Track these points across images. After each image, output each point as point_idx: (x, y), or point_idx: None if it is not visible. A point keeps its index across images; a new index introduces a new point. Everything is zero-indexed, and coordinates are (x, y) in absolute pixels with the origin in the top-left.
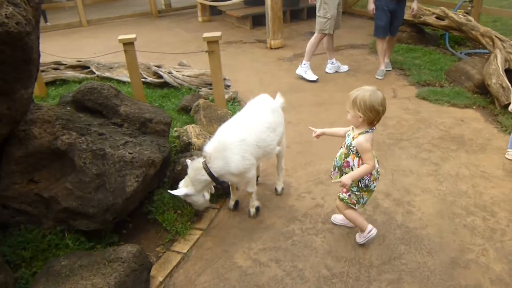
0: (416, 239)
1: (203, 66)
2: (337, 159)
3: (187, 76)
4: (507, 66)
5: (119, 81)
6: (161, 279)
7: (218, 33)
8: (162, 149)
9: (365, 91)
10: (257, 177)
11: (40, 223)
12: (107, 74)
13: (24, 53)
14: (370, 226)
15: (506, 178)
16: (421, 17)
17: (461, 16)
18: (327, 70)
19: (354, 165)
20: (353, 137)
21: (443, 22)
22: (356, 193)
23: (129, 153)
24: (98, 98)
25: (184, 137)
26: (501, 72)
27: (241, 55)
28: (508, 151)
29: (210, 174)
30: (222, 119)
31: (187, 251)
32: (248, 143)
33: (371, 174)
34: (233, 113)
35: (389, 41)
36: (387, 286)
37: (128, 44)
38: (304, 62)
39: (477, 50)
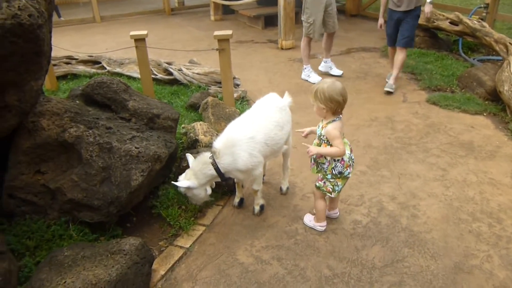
0: (420, 243)
1: (214, 64)
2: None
3: (197, 73)
4: None
5: (129, 77)
6: (162, 272)
7: (229, 31)
8: (169, 145)
9: (323, 83)
10: (263, 175)
11: (45, 214)
12: (117, 70)
13: (35, 45)
14: (324, 223)
15: None
16: (434, 22)
17: (475, 22)
18: (319, 67)
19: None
20: (322, 127)
21: (457, 27)
22: (331, 180)
23: (136, 148)
24: (107, 92)
25: (192, 134)
26: None
27: (252, 55)
28: None
29: (217, 169)
30: (230, 118)
31: (190, 246)
32: (256, 140)
33: (343, 160)
34: (241, 112)
35: (396, 56)
36: None
37: (140, 40)
38: (304, 66)
39: (490, 57)
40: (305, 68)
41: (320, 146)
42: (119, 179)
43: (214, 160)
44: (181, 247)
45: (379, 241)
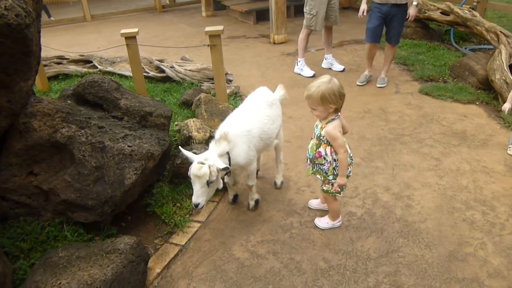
0: (415, 233)
1: (206, 60)
2: (309, 151)
3: (189, 70)
4: (511, 62)
5: (121, 76)
6: (158, 270)
7: (220, 27)
8: (162, 143)
9: (327, 84)
10: (257, 170)
11: (39, 215)
12: (109, 69)
13: (24, 45)
14: (340, 218)
15: (507, 173)
16: (426, 12)
17: (466, 11)
18: (322, 65)
19: (326, 154)
20: (321, 127)
21: (448, 17)
22: (332, 181)
23: (128, 146)
24: (98, 91)
25: (185, 131)
26: (505, 68)
27: (244, 50)
28: (510, 147)
29: (229, 159)
30: (223, 114)
31: (185, 243)
32: (253, 134)
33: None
34: (235, 107)
35: (387, 51)
36: (384, 279)
37: (131, 38)
38: (298, 59)
39: (482, 46)
40: (299, 61)
41: (319, 146)
42: (113, 178)
43: (228, 150)
44: (176, 244)
45: (374, 232)
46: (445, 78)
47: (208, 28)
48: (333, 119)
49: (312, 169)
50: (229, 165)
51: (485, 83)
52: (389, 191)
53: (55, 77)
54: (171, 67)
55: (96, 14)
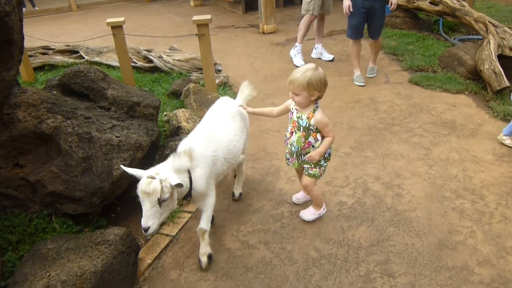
0: (405, 222)
1: (194, 50)
2: (294, 144)
3: (178, 60)
4: (499, 52)
5: (108, 66)
6: (149, 261)
7: (208, 16)
8: (150, 133)
9: (314, 70)
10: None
11: (26, 207)
12: (96, 59)
13: (4, 33)
14: (324, 204)
15: (496, 162)
16: (415, 2)
17: (455, 1)
18: (312, 55)
19: (316, 141)
20: (307, 118)
21: (437, 7)
22: (324, 164)
23: (116, 137)
24: (84, 81)
25: (174, 121)
26: (494, 58)
27: (233, 40)
28: (503, 136)
29: (190, 180)
30: (212, 104)
31: (176, 233)
32: (217, 156)
33: None
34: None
35: (372, 45)
36: (375, 267)
37: (117, 28)
38: (296, 44)
39: (471, 36)
40: (296, 47)
41: (308, 137)
42: (101, 169)
43: (189, 168)
44: (167, 235)
45: (365, 221)
46: (434, 68)
47: (196, 17)
48: (317, 107)
49: (298, 162)
50: (190, 187)
51: (474, 73)
52: (379, 181)
53: (40, 68)
54: (159, 57)
55: (82, 4)
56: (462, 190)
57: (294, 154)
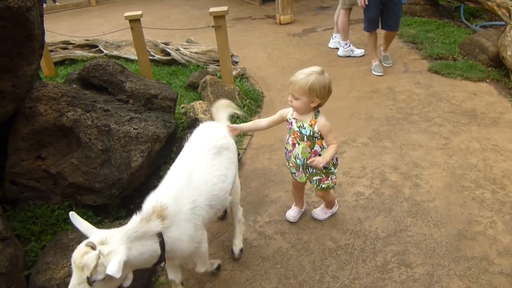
0: (423, 212)
1: (211, 43)
2: (299, 156)
3: (195, 53)
4: None
5: (127, 59)
6: None
7: (224, 8)
8: (168, 125)
9: (319, 75)
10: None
11: (48, 199)
12: (115, 53)
13: (25, 28)
14: (336, 202)
15: None
16: None
17: None
18: (329, 45)
19: (322, 149)
20: (310, 125)
21: None
22: (334, 171)
23: (134, 129)
24: (103, 74)
25: (191, 113)
26: None
27: (250, 31)
28: None
29: (162, 244)
30: (229, 96)
31: None
32: (200, 206)
33: None
34: (241, 89)
35: (388, 36)
36: (392, 258)
37: (135, 21)
38: (344, 42)
39: (493, 22)
40: (346, 44)
41: (313, 146)
42: (119, 161)
43: (161, 230)
44: None
45: (382, 211)
46: (455, 56)
47: (212, 9)
48: (318, 112)
49: (305, 175)
50: (163, 252)
51: (496, 60)
52: (397, 171)
53: (61, 62)
54: (176, 50)
55: None
56: (483, 179)
57: (300, 168)
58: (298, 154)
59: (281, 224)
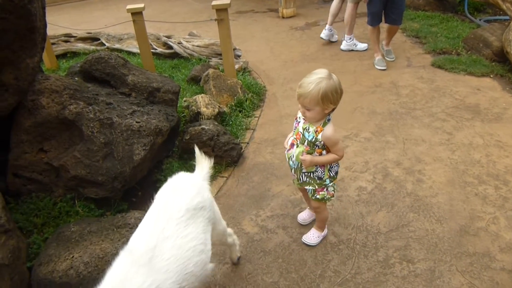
0: (426, 207)
1: (214, 36)
2: (293, 159)
3: (197, 46)
4: None
5: (129, 53)
6: None
7: (227, 1)
8: (170, 118)
9: (327, 80)
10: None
11: (51, 191)
12: (117, 46)
13: (27, 21)
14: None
15: None
16: None
17: None
18: (321, 35)
19: None
20: (315, 131)
21: None
22: (330, 184)
23: (137, 122)
24: (105, 67)
25: (193, 107)
26: None
27: (252, 25)
28: None
29: None
30: (231, 89)
31: None
32: None
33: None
34: (243, 83)
35: (391, 30)
36: (394, 253)
37: (137, 14)
38: (349, 36)
39: (498, 17)
40: (350, 39)
41: (312, 153)
42: (122, 154)
43: None
44: None
45: (384, 206)
46: (459, 51)
47: (214, 2)
48: (328, 120)
49: (298, 181)
50: None
51: (500, 55)
52: (400, 166)
53: (63, 55)
54: (178, 43)
55: None
56: (485, 175)
57: (293, 171)
58: (292, 157)
59: (283, 218)
